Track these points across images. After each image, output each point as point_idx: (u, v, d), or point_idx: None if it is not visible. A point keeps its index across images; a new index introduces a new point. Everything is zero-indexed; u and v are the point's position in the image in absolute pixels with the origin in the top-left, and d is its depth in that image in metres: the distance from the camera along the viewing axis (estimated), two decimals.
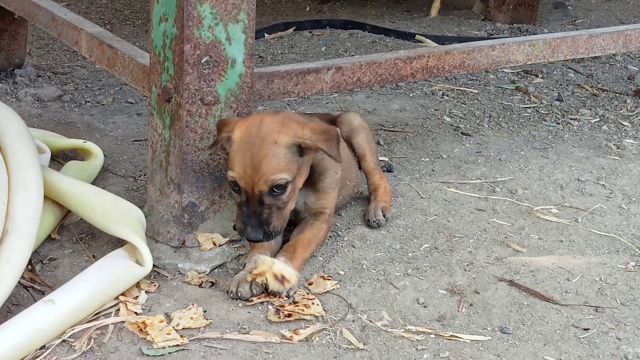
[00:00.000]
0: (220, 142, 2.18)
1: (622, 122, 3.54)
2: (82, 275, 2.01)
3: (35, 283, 2.11)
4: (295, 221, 2.35)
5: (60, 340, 1.88)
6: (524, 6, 5.08)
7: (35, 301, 1.95)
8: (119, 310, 2.01)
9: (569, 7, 5.55)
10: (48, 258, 2.24)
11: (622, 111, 3.69)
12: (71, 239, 2.33)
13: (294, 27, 4.76)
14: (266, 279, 2.05)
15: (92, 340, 1.90)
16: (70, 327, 1.91)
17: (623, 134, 3.40)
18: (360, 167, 2.67)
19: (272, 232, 2.11)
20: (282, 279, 2.05)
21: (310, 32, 4.76)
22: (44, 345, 1.86)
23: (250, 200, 2.10)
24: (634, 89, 4.01)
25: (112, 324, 1.96)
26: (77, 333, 1.91)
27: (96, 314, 1.98)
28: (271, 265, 2.05)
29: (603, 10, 5.67)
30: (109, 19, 4.87)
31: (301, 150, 2.15)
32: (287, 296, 2.09)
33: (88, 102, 3.46)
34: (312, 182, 2.29)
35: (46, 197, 2.23)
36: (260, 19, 5.00)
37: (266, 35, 4.63)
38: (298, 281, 2.14)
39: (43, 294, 2.05)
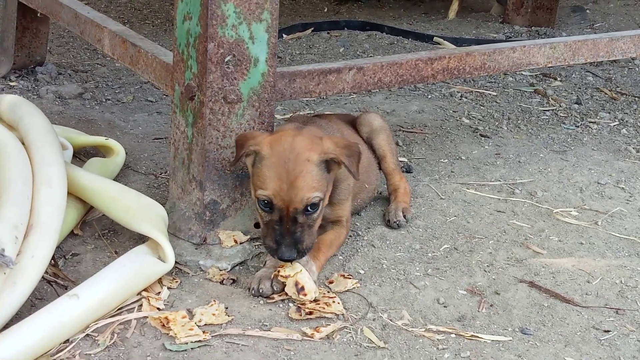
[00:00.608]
0: (242, 158, 2.15)
1: None
2: (106, 270, 2.03)
3: (58, 278, 2.13)
4: None
5: (84, 334, 1.90)
6: (542, 9, 5.07)
7: (59, 295, 1.98)
8: (141, 305, 2.02)
9: (587, 11, 5.53)
10: (71, 253, 2.25)
11: None
12: (93, 235, 2.35)
13: (312, 28, 4.78)
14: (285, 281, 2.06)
15: (115, 335, 1.91)
16: (94, 322, 1.93)
17: None
18: (380, 168, 2.68)
19: (304, 250, 2.09)
20: (300, 289, 2.05)
21: (328, 33, 4.77)
22: (68, 339, 1.88)
23: (283, 219, 2.06)
24: None
25: (135, 319, 1.97)
26: (101, 327, 1.93)
27: (119, 309, 2.00)
28: (297, 272, 2.06)
29: (622, 14, 5.66)
30: (128, 17, 4.90)
31: (328, 166, 2.14)
32: None
33: (109, 100, 3.48)
34: None
35: (69, 193, 2.25)
36: (279, 19, 5.02)
37: (284, 35, 4.64)
38: (318, 279, 2.16)
39: (66, 289, 2.07)
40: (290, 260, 2.06)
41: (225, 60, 2.20)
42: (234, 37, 2.20)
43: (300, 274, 2.06)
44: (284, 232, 2.06)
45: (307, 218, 2.09)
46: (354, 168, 2.15)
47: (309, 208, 2.07)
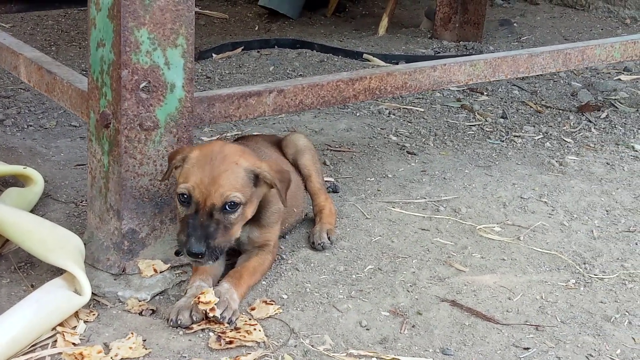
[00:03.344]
0: (172, 171, 2.16)
1: (565, 139, 3.60)
2: (18, 306, 1.97)
3: None
4: (239, 251, 2.34)
5: None
6: (469, 24, 5.15)
7: None
8: (56, 341, 1.97)
9: (515, 25, 5.63)
10: None
11: (565, 128, 3.75)
12: (9, 268, 2.29)
13: (242, 47, 4.76)
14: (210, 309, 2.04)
15: None
16: None
17: (565, 151, 3.46)
18: (305, 188, 2.67)
19: (215, 248, 2.07)
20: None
21: (258, 51, 4.76)
22: None
23: (199, 212, 2.07)
24: (577, 105, 4.08)
25: (49, 355, 1.92)
26: None
27: (32, 346, 1.95)
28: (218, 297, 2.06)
29: (548, 27, 5.77)
30: (55, 40, 4.82)
31: (256, 181, 2.16)
32: (229, 322, 2.07)
33: (31, 126, 3.41)
34: (256, 217, 2.28)
35: None
36: (209, 38, 5.00)
37: (214, 55, 4.62)
38: (239, 306, 2.14)
39: None
40: (198, 255, 2.03)
41: (140, 86, 2.17)
42: (149, 63, 2.17)
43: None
44: (197, 224, 2.06)
45: (225, 217, 2.09)
46: (283, 195, 2.19)
47: (227, 207, 2.08)
